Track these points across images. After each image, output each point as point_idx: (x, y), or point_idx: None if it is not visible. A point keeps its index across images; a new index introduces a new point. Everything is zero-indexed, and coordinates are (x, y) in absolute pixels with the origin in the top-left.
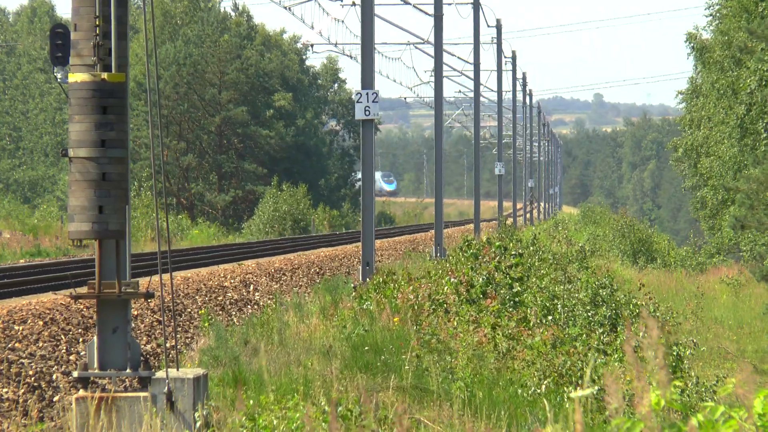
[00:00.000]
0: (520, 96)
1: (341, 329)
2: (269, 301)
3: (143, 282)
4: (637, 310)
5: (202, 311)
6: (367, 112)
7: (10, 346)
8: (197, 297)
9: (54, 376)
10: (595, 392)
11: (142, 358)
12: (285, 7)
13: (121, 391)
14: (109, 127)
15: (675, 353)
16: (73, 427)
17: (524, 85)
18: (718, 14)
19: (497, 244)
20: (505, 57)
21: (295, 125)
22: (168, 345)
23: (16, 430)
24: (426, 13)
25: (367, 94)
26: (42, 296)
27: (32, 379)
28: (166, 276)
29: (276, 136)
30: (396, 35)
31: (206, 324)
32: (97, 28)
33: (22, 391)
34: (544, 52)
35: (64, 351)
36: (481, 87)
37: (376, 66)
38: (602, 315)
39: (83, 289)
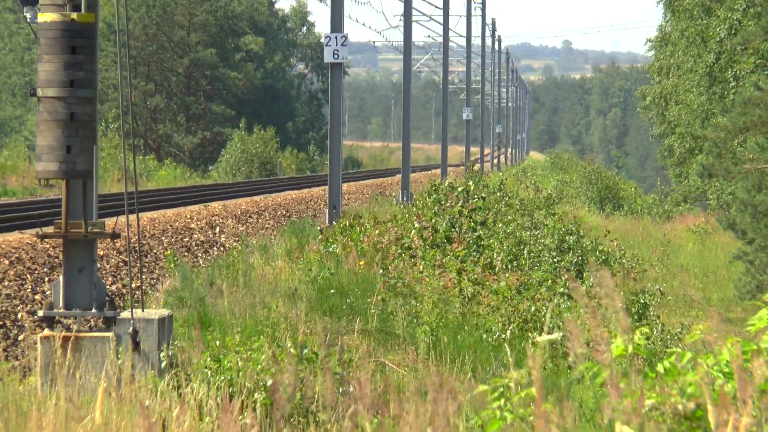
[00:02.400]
0: (489, 42)
1: (307, 272)
2: (235, 243)
3: (110, 222)
4: (602, 254)
5: (168, 252)
6: (336, 56)
7: None
8: (163, 238)
9: (19, 315)
10: (559, 338)
11: (107, 298)
12: None
13: (86, 331)
14: (78, 67)
15: (641, 301)
16: (37, 366)
17: (493, 30)
18: None
19: (460, 188)
20: (474, 2)
21: (263, 68)
22: (133, 285)
23: None
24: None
25: (336, 37)
26: (8, 235)
27: None
28: (132, 217)
29: (244, 79)
30: None
31: (172, 265)
32: None
33: None
34: None
35: (29, 290)
36: (450, 32)
37: (346, 9)
38: (568, 261)
39: (49, 229)
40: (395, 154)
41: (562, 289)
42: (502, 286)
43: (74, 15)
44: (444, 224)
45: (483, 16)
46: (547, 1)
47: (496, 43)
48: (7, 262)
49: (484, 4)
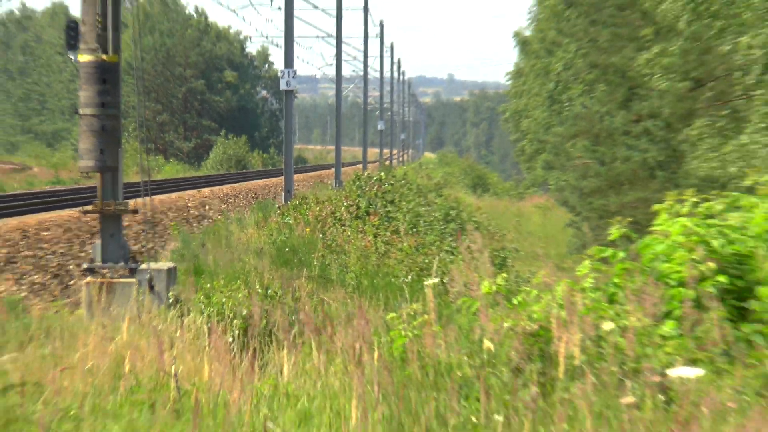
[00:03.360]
0: (396, 75)
1: (269, 236)
2: (219, 216)
3: (131, 202)
4: (475, 223)
5: (173, 223)
6: (288, 85)
7: (39, 246)
8: (169, 213)
9: (70, 267)
10: (444, 281)
11: (130, 255)
12: (231, 10)
13: (116, 278)
14: (107, 93)
15: (501, 255)
16: (82, 303)
17: (399, 66)
18: (536, 18)
19: (375, 177)
20: (385, 47)
21: (237, 94)
22: (148, 246)
23: (44, 305)
24: (330, 15)
25: (288, 72)
26: (61, 212)
27: (55, 269)
28: (146, 198)
29: (224, 102)
30: (310, 30)
31: (175, 232)
32: (98, 23)
33: (48, 277)
34: (414, 42)
35: (77, 250)
36: (369, 68)
37: (295, 52)
38: (451, 228)
39: (89, 207)
40: (331, 154)
41: (446, 247)
42: (405, 246)
43: (104, 56)
44: (364, 202)
45: (391, 57)
46: (436, 43)
47: (401, 76)
48: (61, 230)
49: (392, 48)
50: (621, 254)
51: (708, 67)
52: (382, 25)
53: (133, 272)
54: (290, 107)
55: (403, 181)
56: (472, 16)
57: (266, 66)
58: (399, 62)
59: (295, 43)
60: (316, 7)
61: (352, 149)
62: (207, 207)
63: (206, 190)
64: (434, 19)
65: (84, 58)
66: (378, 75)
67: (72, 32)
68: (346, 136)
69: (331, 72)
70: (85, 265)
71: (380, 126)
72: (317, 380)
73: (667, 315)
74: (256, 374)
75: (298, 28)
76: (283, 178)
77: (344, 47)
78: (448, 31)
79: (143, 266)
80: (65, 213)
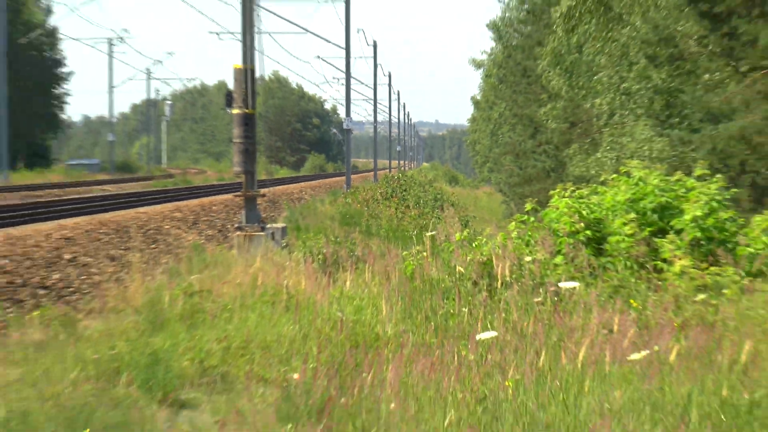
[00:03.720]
0: (405, 119)
1: (337, 209)
2: (309, 198)
3: (262, 190)
4: (451, 202)
5: (285, 202)
6: (347, 125)
7: (210, 214)
8: (282, 196)
9: (228, 227)
10: (434, 234)
11: (261, 219)
12: (315, 84)
13: (253, 233)
14: (248, 130)
15: (466, 219)
16: (234, 247)
17: (404, 107)
18: (482, 88)
19: (395, 176)
20: (393, 93)
21: (320, 130)
22: (271, 215)
23: (213, 247)
24: (369, 87)
25: (347, 119)
26: (224, 195)
27: (219, 227)
28: (271, 188)
29: (312, 135)
30: (359, 95)
31: (286, 207)
32: (243, 92)
33: (215, 232)
34: (415, 98)
35: (231, 216)
36: (380, 107)
37: (351, 108)
38: (438, 204)
39: (239, 193)
40: (372, 163)
41: (435, 215)
42: (413, 214)
43: (247, 110)
44: (390, 190)
45: (398, 100)
46: (427, 98)
47: (406, 115)
48: (222, 205)
49: (399, 94)
50: (532, 219)
51: (578, 115)
52: (390, 76)
53: (262, 229)
54: (349, 139)
55: (410, 178)
56: (444, 82)
57: (335, 115)
58: (405, 105)
59: (351, 103)
60: (361, 82)
61: (382, 161)
62: (303, 193)
63: (303, 184)
64: (424, 82)
65: (236, 111)
66: (396, 118)
67: (229, 97)
68: (379, 155)
69: (371, 117)
70: (236, 225)
71: (398, 149)
72: (365, 288)
73: (558, 252)
74: (331, 286)
75: (353, 93)
76: (344, 177)
77: (378, 105)
78: (433, 90)
79: (268, 226)
80: (226, 196)
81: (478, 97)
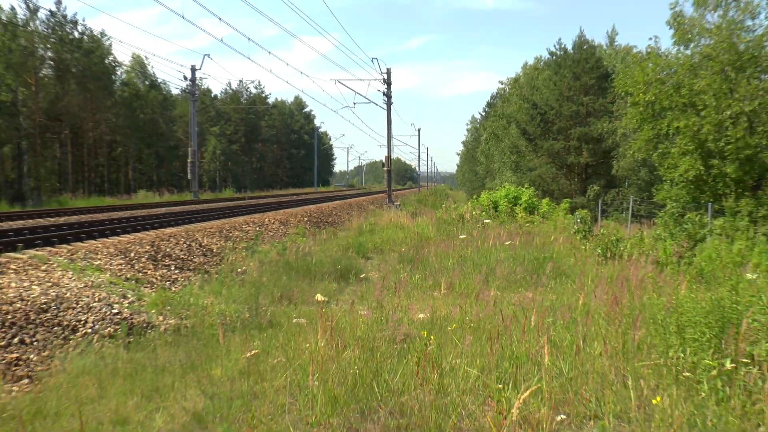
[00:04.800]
0: (426, 158)
1: (413, 197)
2: (373, 207)
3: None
4: (453, 198)
5: (400, 200)
6: (387, 166)
7: (377, 199)
8: (396, 198)
9: (377, 205)
10: (445, 205)
11: (392, 202)
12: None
13: (390, 205)
14: (389, 174)
15: (455, 202)
16: (384, 210)
17: (427, 152)
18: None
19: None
20: (422, 144)
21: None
22: (395, 203)
23: (378, 209)
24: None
25: (388, 158)
26: (378, 194)
27: (380, 203)
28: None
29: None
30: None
31: (403, 202)
32: (389, 161)
33: (375, 207)
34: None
35: (380, 203)
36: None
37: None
38: (445, 197)
39: (385, 194)
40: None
41: (444, 203)
42: (434, 200)
43: (386, 168)
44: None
45: (427, 153)
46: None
47: (428, 157)
48: (370, 199)
49: (428, 150)
50: (475, 200)
51: (488, 169)
52: (419, 130)
53: (392, 203)
54: (390, 174)
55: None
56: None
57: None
58: (427, 150)
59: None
60: (401, 140)
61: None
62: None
63: (361, 198)
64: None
65: (386, 168)
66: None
67: (382, 163)
68: (395, 181)
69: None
70: (386, 203)
71: (422, 178)
72: (425, 221)
73: (484, 211)
74: (413, 221)
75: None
76: (376, 195)
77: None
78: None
79: (396, 203)
80: (378, 195)
81: (461, 149)
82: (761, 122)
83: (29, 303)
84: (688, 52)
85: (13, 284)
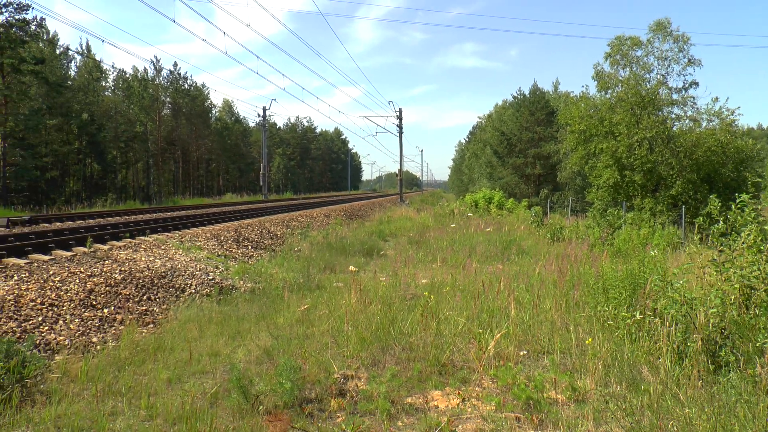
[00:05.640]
0: (426, 169)
1: (418, 198)
2: (389, 204)
3: (404, 196)
4: (447, 200)
5: (409, 200)
6: (399, 176)
7: (390, 200)
8: (405, 198)
9: (393, 204)
10: (442, 203)
11: (402, 201)
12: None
13: (401, 203)
14: (401, 182)
15: (447, 202)
16: (397, 206)
17: (427, 166)
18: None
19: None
20: (424, 160)
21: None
22: (405, 201)
23: (392, 206)
24: (415, 163)
25: (400, 170)
26: (391, 197)
27: (393, 201)
28: (403, 197)
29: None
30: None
31: (410, 201)
32: (401, 173)
33: (391, 204)
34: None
35: (394, 202)
36: (412, 163)
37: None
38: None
39: (396, 197)
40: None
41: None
42: (436, 210)
43: (398, 177)
44: (420, 199)
45: (427, 166)
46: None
47: (429, 170)
48: (390, 198)
49: (428, 166)
50: (462, 199)
51: (469, 177)
52: (422, 150)
53: (402, 202)
54: (401, 181)
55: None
56: (435, 153)
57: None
58: (428, 165)
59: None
60: (409, 158)
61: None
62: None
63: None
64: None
65: (398, 177)
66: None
67: (397, 174)
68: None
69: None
70: (397, 201)
71: (423, 184)
72: (426, 215)
73: (468, 207)
74: (417, 215)
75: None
76: (387, 197)
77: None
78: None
79: (405, 202)
80: (391, 197)
81: (451, 164)
82: (657, 144)
83: (153, 271)
84: (608, 96)
85: (143, 258)
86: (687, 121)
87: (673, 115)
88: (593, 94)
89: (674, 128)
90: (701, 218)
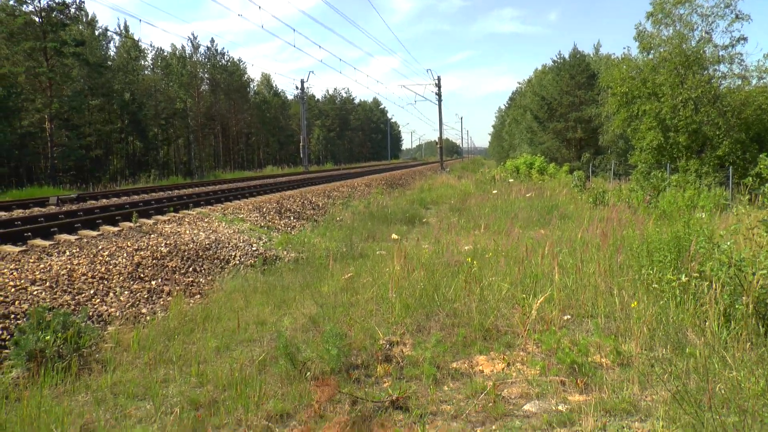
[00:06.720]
0: (467, 137)
1: (458, 165)
2: (430, 173)
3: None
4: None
5: (449, 168)
6: (438, 144)
7: (431, 168)
8: (446, 166)
9: (434, 172)
10: (483, 169)
11: (443, 169)
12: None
13: (443, 171)
14: (440, 150)
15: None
16: (438, 174)
17: (467, 133)
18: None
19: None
20: (464, 127)
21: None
22: (446, 169)
23: (433, 174)
24: (455, 130)
25: (440, 138)
26: (430, 164)
27: (434, 170)
28: (445, 165)
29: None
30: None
31: (451, 169)
32: (440, 141)
33: (433, 172)
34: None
35: (435, 171)
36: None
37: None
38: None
39: (437, 164)
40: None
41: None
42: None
43: (438, 145)
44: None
45: (467, 133)
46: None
47: (469, 137)
48: (430, 167)
49: (461, 121)
50: (503, 165)
51: (511, 144)
52: (461, 118)
53: (443, 170)
54: (441, 149)
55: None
56: (475, 119)
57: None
58: (468, 132)
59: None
60: (448, 126)
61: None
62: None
63: (423, 167)
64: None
65: (438, 145)
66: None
67: (436, 143)
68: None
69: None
70: (438, 169)
71: (463, 152)
72: (468, 181)
73: (509, 174)
74: (458, 182)
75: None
76: (425, 166)
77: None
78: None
79: (446, 170)
80: (432, 165)
81: (491, 131)
82: (702, 104)
83: (198, 244)
84: (650, 56)
85: (187, 232)
86: (735, 79)
87: (719, 74)
88: (635, 55)
89: (721, 87)
90: (750, 178)
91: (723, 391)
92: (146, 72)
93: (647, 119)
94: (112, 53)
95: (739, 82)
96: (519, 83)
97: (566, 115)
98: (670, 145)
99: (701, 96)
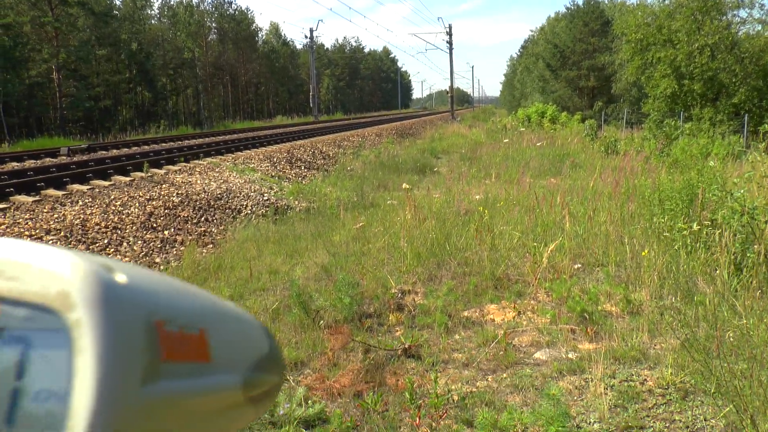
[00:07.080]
0: (478, 86)
1: (469, 114)
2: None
3: (455, 113)
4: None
5: (460, 117)
6: (449, 92)
7: (442, 117)
8: (457, 116)
9: (443, 121)
10: (494, 118)
11: (453, 119)
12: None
13: (453, 120)
14: (451, 99)
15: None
16: (448, 123)
17: (479, 82)
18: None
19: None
20: (475, 76)
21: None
22: (457, 119)
23: (443, 123)
24: (466, 79)
25: (451, 87)
26: (441, 113)
27: (445, 118)
28: (454, 115)
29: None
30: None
31: (462, 118)
32: (451, 90)
33: (442, 122)
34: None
35: (446, 118)
36: (464, 80)
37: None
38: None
39: (448, 113)
40: (460, 109)
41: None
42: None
43: (449, 94)
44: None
45: (478, 80)
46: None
47: (480, 86)
48: (440, 116)
49: (479, 81)
50: (514, 114)
51: (522, 93)
52: (473, 66)
53: (454, 119)
54: (452, 98)
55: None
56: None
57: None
58: (479, 81)
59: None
60: (459, 75)
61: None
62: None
63: (428, 117)
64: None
65: (449, 94)
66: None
67: (447, 93)
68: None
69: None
70: (448, 121)
71: (474, 101)
72: (478, 134)
73: (520, 122)
74: (469, 131)
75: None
76: (437, 115)
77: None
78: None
79: (457, 119)
80: (443, 115)
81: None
82: (719, 51)
83: (209, 194)
84: (666, 2)
85: (198, 182)
86: (755, 25)
87: (738, 19)
88: (651, 2)
89: (739, 33)
90: (767, 125)
91: (732, 339)
92: (153, 21)
93: (661, 66)
94: (117, 2)
95: (759, 28)
96: (531, 31)
97: (579, 63)
98: (685, 93)
99: (718, 42)
